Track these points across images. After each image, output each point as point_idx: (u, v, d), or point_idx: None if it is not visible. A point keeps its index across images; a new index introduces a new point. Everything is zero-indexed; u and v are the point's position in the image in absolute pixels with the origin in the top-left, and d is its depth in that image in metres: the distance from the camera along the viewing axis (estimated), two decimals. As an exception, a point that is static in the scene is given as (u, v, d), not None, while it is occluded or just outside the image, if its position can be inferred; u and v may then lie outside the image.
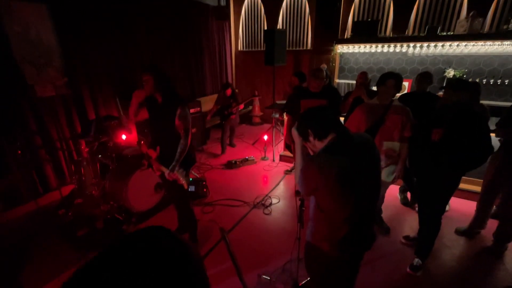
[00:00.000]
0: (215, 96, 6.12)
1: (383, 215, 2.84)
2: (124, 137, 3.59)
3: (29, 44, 3.16)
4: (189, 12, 5.34)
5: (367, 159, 1.26)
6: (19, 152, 2.86)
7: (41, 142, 3.31)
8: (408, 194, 3.27)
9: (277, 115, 4.81)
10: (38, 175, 3.34)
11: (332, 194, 1.21)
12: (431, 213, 2.20)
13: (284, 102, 4.58)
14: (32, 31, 3.16)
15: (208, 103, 5.67)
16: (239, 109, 4.85)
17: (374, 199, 1.34)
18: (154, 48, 4.70)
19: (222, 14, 6.23)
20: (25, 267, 2.33)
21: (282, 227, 2.89)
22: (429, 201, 2.18)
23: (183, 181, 2.13)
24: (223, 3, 6.35)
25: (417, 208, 2.57)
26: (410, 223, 2.89)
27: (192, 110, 4.85)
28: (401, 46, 4.66)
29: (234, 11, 6.46)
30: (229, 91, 4.63)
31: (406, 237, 2.63)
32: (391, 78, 2.15)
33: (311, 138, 1.30)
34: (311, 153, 1.39)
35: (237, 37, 6.68)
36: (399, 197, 3.33)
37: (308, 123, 1.31)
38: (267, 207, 3.25)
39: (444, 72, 4.53)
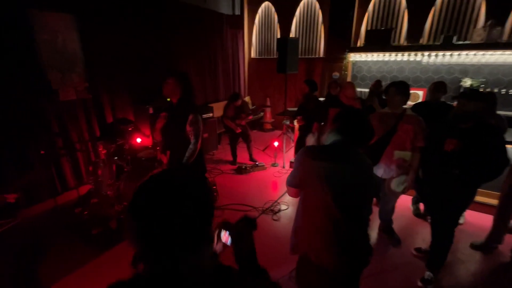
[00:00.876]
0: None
1: (394, 226, 2.79)
2: (139, 140, 3.73)
3: (55, 51, 3.36)
4: (204, 21, 5.51)
5: (354, 171, 1.27)
6: (42, 152, 3.02)
7: (62, 143, 3.48)
8: (421, 205, 3.20)
9: (288, 122, 4.84)
10: (57, 175, 3.51)
11: (314, 191, 1.24)
12: (444, 225, 2.15)
13: (295, 109, 4.63)
14: (59, 39, 3.37)
15: (220, 109, 5.78)
16: (249, 119, 4.84)
17: (360, 209, 1.32)
18: (169, 55, 4.87)
19: (236, 22, 6.39)
20: (42, 262, 2.44)
21: (290, 234, 2.88)
22: (442, 213, 2.13)
23: None
24: (237, 12, 6.52)
25: (429, 220, 2.51)
26: (423, 235, 2.81)
27: (204, 116, 4.97)
28: (416, 54, 4.61)
29: (248, 19, 6.62)
30: (239, 102, 4.55)
31: (418, 249, 2.56)
32: (391, 86, 2.19)
33: (328, 132, 1.35)
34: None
35: (250, 44, 6.81)
36: (412, 208, 3.26)
37: (346, 121, 1.33)
38: (276, 213, 3.26)
39: (460, 81, 4.43)
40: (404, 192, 2.40)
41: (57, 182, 3.51)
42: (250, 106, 6.83)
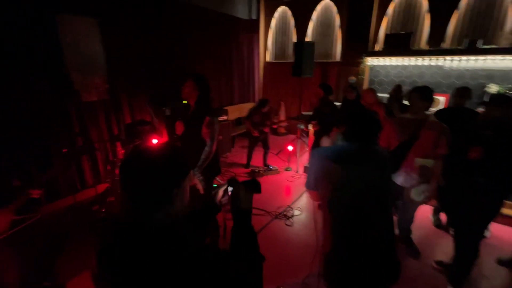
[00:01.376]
0: (242, 105, 6.28)
1: (413, 236, 2.68)
2: (155, 141, 3.80)
3: (78, 54, 3.49)
4: (221, 25, 5.59)
5: (374, 174, 1.24)
6: (64, 150, 3.14)
7: (82, 143, 3.61)
8: (443, 216, 3.05)
9: (303, 126, 4.79)
10: (77, 173, 3.63)
11: (331, 194, 1.21)
12: (468, 238, 2.04)
13: (310, 113, 4.58)
14: (82, 43, 3.50)
15: (234, 112, 5.82)
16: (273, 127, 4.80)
17: (382, 212, 1.26)
18: (186, 58, 4.96)
19: (252, 27, 6.44)
20: (60, 257, 2.51)
21: (304, 240, 2.83)
22: (466, 225, 2.02)
23: (200, 187, 2.17)
24: (254, 16, 6.57)
25: (452, 232, 2.39)
26: (444, 248, 2.68)
27: (218, 118, 5.01)
28: (437, 59, 4.46)
29: (264, 23, 6.65)
30: (266, 109, 4.46)
31: (439, 262, 2.44)
32: (414, 91, 2.12)
33: (334, 132, 1.33)
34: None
35: (266, 48, 6.83)
36: (432, 219, 3.12)
37: (351, 122, 1.32)
38: (289, 218, 3.21)
39: (485, 87, 4.24)
40: (424, 201, 2.30)
41: (77, 180, 3.64)
42: (284, 113, 6.74)
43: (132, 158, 0.76)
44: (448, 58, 4.33)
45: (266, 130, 4.51)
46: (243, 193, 0.98)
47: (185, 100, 2.27)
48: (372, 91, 3.10)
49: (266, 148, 4.69)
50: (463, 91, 2.76)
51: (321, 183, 1.24)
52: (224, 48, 5.82)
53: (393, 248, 1.28)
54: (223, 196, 1.05)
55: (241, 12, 6.32)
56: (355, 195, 1.18)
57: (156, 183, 0.73)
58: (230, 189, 1.01)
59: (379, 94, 5.31)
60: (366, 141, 1.27)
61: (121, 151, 3.16)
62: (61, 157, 3.24)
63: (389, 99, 3.10)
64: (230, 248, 0.88)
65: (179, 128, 2.35)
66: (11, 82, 2.92)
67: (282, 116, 6.65)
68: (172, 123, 4.26)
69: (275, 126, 4.70)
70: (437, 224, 3.04)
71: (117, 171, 3.15)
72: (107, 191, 3.32)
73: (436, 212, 3.11)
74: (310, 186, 1.33)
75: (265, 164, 4.73)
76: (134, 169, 0.73)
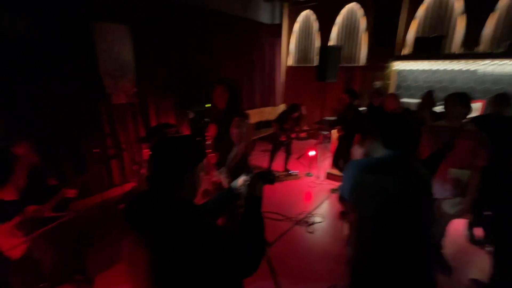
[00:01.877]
0: (263, 109, 6.30)
1: (446, 252, 2.51)
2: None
3: (111, 60, 3.68)
4: (244, 30, 5.66)
5: (414, 189, 1.17)
6: (95, 150, 3.30)
7: (111, 143, 3.78)
8: (478, 231, 2.85)
9: (325, 131, 4.70)
10: (106, 172, 3.80)
11: (366, 208, 1.15)
12: (509, 256, 1.88)
13: (333, 118, 4.49)
14: (115, 48, 3.69)
15: (256, 115, 5.85)
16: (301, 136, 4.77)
17: (420, 229, 1.19)
18: (210, 62, 5.06)
19: (275, 31, 6.46)
20: (90, 252, 2.62)
21: (325, 249, 2.76)
22: (508, 243, 1.87)
23: (225, 185, 2.24)
24: (277, 21, 6.60)
25: (489, 249, 2.22)
26: (480, 265, 2.49)
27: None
28: (472, 63, 4.22)
29: (287, 27, 6.65)
30: (296, 114, 4.39)
31: (474, 281, 2.27)
32: (452, 96, 2.02)
33: (374, 141, 1.26)
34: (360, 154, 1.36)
35: (288, 52, 6.82)
36: (467, 234, 2.92)
37: (392, 128, 1.24)
38: (310, 225, 3.15)
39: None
40: (458, 215, 2.16)
41: (105, 179, 3.81)
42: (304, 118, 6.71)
43: (157, 144, 0.94)
44: (485, 62, 4.08)
45: (293, 135, 4.47)
46: (256, 182, 1.10)
47: (213, 103, 2.36)
48: (394, 96, 2.99)
49: (288, 153, 4.65)
50: (503, 98, 2.57)
51: (356, 196, 1.19)
52: (247, 53, 5.88)
53: (429, 266, 1.22)
54: (241, 184, 1.20)
55: (264, 17, 6.36)
56: (392, 207, 1.13)
57: (170, 166, 0.89)
58: (246, 177, 1.16)
59: (407, 100, 5.13)
60: (408, 150, 1.20)
61: (147, 152, 3.26)
62: (93, 157, 3.41)
63: (419, 105, 2.96)
64: (239, 229, 0.98)
65: (212, 130, 2.45)
66: (50, 86, 3.12)
67: (304, 121, 6.58)
68: (196, 125, 4.37)
69: (303, 135, 4.63)
70: (473, 239, 2.85)
71: (142, 171, 3.26)
72: (133, 190, 3.44)
73: (471, 227, 2.91)
74: (345, 198, 1.27)
75: (286, 169, 4.68)
76: (155, 153, 0.92)
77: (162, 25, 4.13)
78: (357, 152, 1.38)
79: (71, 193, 1.89)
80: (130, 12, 3.74)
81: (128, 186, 3.69)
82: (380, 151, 1.25)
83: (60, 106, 3.23)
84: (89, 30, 3.38)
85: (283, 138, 4.41)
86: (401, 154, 1.19)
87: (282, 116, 4.46)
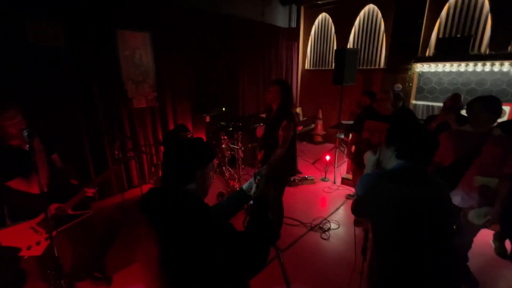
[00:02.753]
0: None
1: (471, 264, 2.36)
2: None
3: (133, 65, 3.85)
4: (261, 34, 5.70)
5: (431, 200, 1.11)
6: (116, 152, 3.45)
7: (131, 146, 3.93)
8: (508, 244, 2.65)
9: (342, 136, 4.60)
10: (125, 173, 3.96)
11: (382, 223, 1.09)
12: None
13: (350, 122, 4.39)
14: (137, 55, 3.86)
15: (271, 119, 5.83)
16: (299, 129, 4.80)
17: (442, 242, 1.13)
18: (227, 66, 5.14)
19: (292, 34, 6.45)
20: (108, 252, 2.72)
21: (341, 256, 2.68)
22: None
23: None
24: (293, 24, 6.59)
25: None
26: (508, 280, 2.31)
27: (255, 125, 5.06)
28: (501, 64, 3.97)
29: (304, 31, 6.62)
30: (294, 111, 4.59)
31: (503, 298, 2.11)
32: (477, 101, 1.86)
33: (391, 148, 1.22)
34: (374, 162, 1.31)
35: (305, 55, 6.77)
36: (493, 245, 2.73)
37: (407, 137, 1.19)
38: (325, 231, 3.07)
39: None
40: (486, 226, 2.02)
41: (125, 180, 3.96)
42: (301, 118, 6.74)
43: (171, 144, 1.02)
44: (516, 63, 3.82)
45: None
46: (263, 183, 1.18)
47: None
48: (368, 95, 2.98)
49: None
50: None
51: (371, 210, 1.15)
52: (264, 56, 5.91)
53: (453, 279, 1.14)
54: (251, 181, 1.26)
55: (281, 21, 6.38)
56: (409, 220, 1.07)
57: (182, 163, 0.97)
58: (255, 179, 1.22)
59: (429, 103, 4.91)
60: (423, 160, 1.15)
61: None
62: (114, 159, 3.56)
63: (443, 109, 2.82)
64: (246, 227, 1.06)
65: (260, 131, 2.63)
66: (75, 90, 3.32)
67: (320, 124, 6.49)
68: (211, 129, 4.43)
69: (300, 128, 4.66)
70: (500, 252, 2.65)
71: (160, 173, 3.36)
72: (151, 191, 3.55)
73: (499, 239, 2.71)
74: (358, 214, 1.25)
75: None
76: (170, 152, 1.00)
77: (181, 32, 4.26)
78: (370, 158, 1.34)
79: (90, 192, 1.98)
80: (151, 20, 3.89)
81: (146, 188, 3.80)
82: (392, 161, 1.20)
83: (84, 110, 3.42)
84: (113, 37, 3.56)
85: None
86: (415, 165, 1.14)
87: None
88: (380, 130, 2.81)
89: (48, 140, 3.05)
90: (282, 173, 2.45)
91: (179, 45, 4.26)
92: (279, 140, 2.34)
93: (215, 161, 1.07)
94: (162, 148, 3.56)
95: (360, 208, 1.22)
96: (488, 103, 1.85)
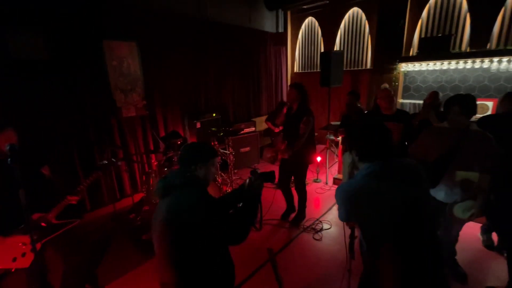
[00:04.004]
0: (269, 116, 6.30)
1: (459, 257, 2.41)
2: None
3: (121, 75, 3.87)
4: (249, 40, 5.78)
5: (408, 192, 1.14)
6: (105, 161, 3.43)
7: (122, 155, 3.92)
8: (494, 235, 2.71)
9: (332, 137, 4.66)
10: (117, 183, 3.94)
11: (369, 223, 1.12)
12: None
13: (339, 123, 4.46)
14: (124, 64, 3.87)
15: (262, 123, 5.87)
16: None
17: (420, 240, 1.15)
18: (216, 73, 5.18)
19: (279, 39, 6.54)
20: (100, 262, 2.69)
21: (333, 255, 2.71)
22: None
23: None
24: (281, 29, 6.68)
25: (506, 254, 2.11)
26: (495, 271, 2.37)
27: (246, 130, 5.10)
28: (482, 61, 4.10)
29: (291, 35, 6.72)
30: (285, 110, 4.64)
31: (491, 289, 2.15)
32: (454, 105, 1.91)
33: (354, 154, 1.27)
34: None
35: (293, 59, 6.87)
36: (481, 238, 2.79)
37: (356, 140, 1.26)
38: (317, 232, 3.10)
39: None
40: (471, 219, 2.07)
41: (116, 189, 3.94)
42: None
43: (185, 144, 1.40)
44: (495, 59, 3.95)
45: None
46: (256, 180, 1.41)
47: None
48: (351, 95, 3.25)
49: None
50: (514, 96, 2.47)
51: (356, 216, 1.18)
52: (253, 62, 5.98)
53: (440, 269, 1.19)
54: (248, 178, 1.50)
55: (268, 26, 6.47)
56: (391, 217, 1.10)
57: (186, 157, 1.30)
58: (251, 176, 1.44)
59: (416, 101, 5.02)
60: (386, 156, 1.18)
61: (155, 163, 3.36)
62: (103, 168, 3.54)
63: (424, 107, 2.90)
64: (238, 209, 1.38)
65: (280, 118, 3.25)
66: (63, 101, 3.31)
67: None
68: (202, 135, 4.44)
69: None
70: (487, 244, 2.71)
71: (151, 181, 3.35)
72: (142, 200, 3.54)
73: (486, 231, 2.77)
74: (344, 219, 1.28)
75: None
76: (184, 148, 1.35)
77: (169, 39, 4.29)
78: (346, 159, 1.39)
79: (73, 200, 1.97)
80: (137, 29, 3.92)
81: (138, 196, 3.79)
82: (363, 168, 1.23)
83: (73, 121, 3.41)
84: (99, 48, 3.57)
85: (277, 130, 4.57)
86: (383, 164, 1.16)
87: (273, 114, 4.63)
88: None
89: (37, 153, 3.05)
90: (304, 159, 3.03)
91: (167, 53, 4.29)
92: (300, 132, 2.88)
93: (218, 160, 1.39)
94: (153, 156, 3.57)
95: (344, 216, 1.24)
96: (464, 107, 1.90)
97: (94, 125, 3.62)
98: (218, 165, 3.92)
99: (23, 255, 1.78)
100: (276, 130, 4.67)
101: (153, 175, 3.37)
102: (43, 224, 1.88)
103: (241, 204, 1.35)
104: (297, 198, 3.30)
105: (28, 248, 1.79)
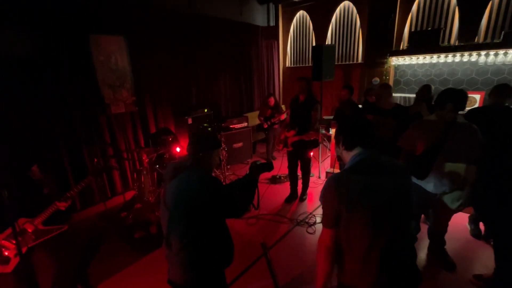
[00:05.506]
0: (262, 111, 6.28)
1: (448, 247, 2.47)
2: (178, 149, 3.93)
3: (109, 70, 3.76)
4: (240, 34, 5.70)
5: (391, 185, 1.15)
6: (95, 160, 3.36)
7: (112, 152, 3.84)
8: (482, 225, 2.79)
9: (324, 131, 4.68)
10: (108, 181, 3.87)
11: (351, 220, 1.12)
12: (510, 250, 1.83)
13: (331, 117, 4.48)
14: (112, 59, 3.77)
15: (255, 118, 5.84)
16: (281, 119, 4.87)
17: (397, 231, 1.16)
18: (207, 67, 5.11)
19: (271, 33, 6.48)
20: (91, 262, 2.65)
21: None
22: (508, 236, 1.83)
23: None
24: (272, 23, 6.62)
25: (493, 243, 2.17)
26: (483, 260, 2.44)
27: (238, 125, 5.07)
28: (470, 55, 4.16)
29: (282, 29, 6.67)
30: (271, 100, 4.81)
31: (478, 277, 2.22)
32: (449, 101, 1.93)
33: (340, 145, 1.28)
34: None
35: (285, 54, 6.83)
36: (469, 228, 2.87)
37: (341, 129, 1.29)
38: (311, 225, 3.13)
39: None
40: (459, 209, 2.12)
41: (107, 188, 3.87)
42: (285, 115, 6.79)
43: (193, 134, 1.57)
44: (483, 53, 4.02)
45: (275, 120, 4.85)
46: (256, 168, 1.58)
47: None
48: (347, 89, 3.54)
49: (267, 141, 5.08)
50: (503, 89, 2.52)
51: (338, 212, 1.14)
52: (244, 56, 5.92)
53: (414, 261, 1.21)
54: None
55: (260, 20, 6.40)
56: (373, 211, 1.10)
57: (194, 144, 1.44)
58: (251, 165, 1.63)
59: (407, 95, 5.08)
60: (370, 143, 1.20)
61: (146, 160, 3.31)
62: (94, 167, 3.47)
63: (416, 100, 2.93)
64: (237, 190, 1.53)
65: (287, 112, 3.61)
66: (50, 98, 3.20)
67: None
68: (194, 131, 4.38)
69: (283, 117, 4.91)
70: (475, 233, 2.79)
71: (143, 179, 3.30)
72: (134, 198, 3.48)
73: (473, 221, 2.85)
74: (329, 224, 1.19)
75: (272, 157, 5.19)
76: (193, 137, 1.48)
77: (158, 34, 4.19)
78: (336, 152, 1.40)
79: (61, 206, 1.91)
80: (126, 23, 3.81)
81: (130, 194, 3.73)
82: (351, 159, 1.24)
83: (59, 118, 3.31)
84: (86, 43, 3.46)
85: (265, 125, 4.85)
86: (367, 155, 1.17)
87: (261, 108, 5.01)
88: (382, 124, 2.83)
89: (24, 152, 2.95)
90: (310, 146, 3.41)
91: (157, 48, 4.20)
92: (311, 118, 3.22)
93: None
94: (144, 153, 3.51)
95: (331, 219, 1.19)
96: (458, 104, 1.92)
97: (82, 122, 3.52)
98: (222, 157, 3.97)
99: (6, 260, 1.72)
100: (265, 125, 4.84)
101: (145, 172, 3.32)
102: (29, 229, 1.82)
103: (242, 186, 1.55)
104: (302, 180, 3.71)
105: (12, 253, 1.73)
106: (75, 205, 3.57)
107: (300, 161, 3.56)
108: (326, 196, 1.18)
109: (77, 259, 2.33)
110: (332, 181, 1.17)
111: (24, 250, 1.73)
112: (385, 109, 2.82)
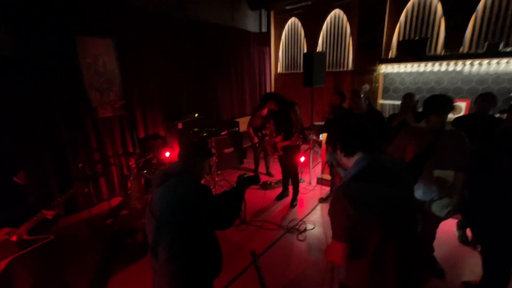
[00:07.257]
0: (253, 116, 6.26)
1: (436, 253, 2.48)
2: (167, 154, 3.85)
3: (96, 73, 3.67)
4: (232, 39, 5.71)
5: (398, 189, 1.14)
6: (80, 165, 3.24)
7: (99, 157, 3.72)
8: (469, 231, 2.83)
9: (315, 137, 4.69)
10: (93, 187, 3.74)
11: (362, 228, 1.09)
12: (497, 257, 1.85)
13: (322, 123, 4.50)
14: (99, 62, 3.69)
15: (246, 123, 5.82)
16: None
17: (405, 235, 1.16)
18: (198, 72, 5.07)
19: (263, 39, 6.53)
20: (77, 272, 2.54)
21: (317, 256, 2.71)
22: (495, 242, 1.85)
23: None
24: (264, 29, 6.67)
25: (480, 249, 2.19)
26: (471, 266, 2.46)
27: (229, 130, 5.03)
28: (455, 64, 4.28)
29: (274, 35, 6.72)
30: (265, 112, 4.42)
31: (467, 284, 2.23)
32: (432, 115, 1.96)
33: (338, 152, 1.25)
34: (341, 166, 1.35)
35: (277, 60, 6.87)
36: (457, 234, 2.90)
37: (337, 134, 1.25)
38: (301, 232, 3.10)
39: (511, 92, 3.99)
40: (448, 216, 2.13)
41: (93, 194, 3.74)
42: None
43: (186, 142, 1.54)
44: (468, 62, 4.14)
45: (268, 132, 4.32)
46: (243, 182, 1.58)
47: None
48: (339, 94, 3.50)
49: (266, 154, 4.73)
50: (487, 97, 2.59)
51: (353, 222, 1.09)
52: (236, 62, 5.92)
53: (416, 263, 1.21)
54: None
55: (252, 26, 6.44)
56: (383, 217, 1.09)
57: (186, 151, 1.46)
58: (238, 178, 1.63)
59: (396, 102, 5.17)
60: (369, 146, 1.17)
61: (133, 165, 3.22)
62: (78, 172, 3.35)
63: (401, 108, 2.97)
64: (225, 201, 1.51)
65: (271, 126, 3.58)
66: (33, 101, 3.09)
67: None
68: (184, 135, 4.31)
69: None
70: (463, 239, 2.82)
71: (129, 185, 3.21)
72: (120, 204, 3.38)
73: (461, 227, 2.88)
74: (345, 237, 1.11)
75: (268, 172, 4.80)
76: (184, 145, 1.50)
77: (147, 37, 4.14)
78: (328, 158, 1.38)
79: (49, 214, 1.81)
80: (114, 25, 3.75)
81: (116, 200, 3.62)
82: (346, 161, 1.23)
83: (43, 122, 3.19)
84: (71, 45, 3.37)
85: (255, 140, 4.45)
86: (369, 160, 1.15)
87: (252, 117, 4.55)
88: None
89: (6, 158, 2.82)
90: (294, 149, 3.43)
91: (146, 51, 4.14)
92: (292, 121, 3.26)
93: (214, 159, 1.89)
94: (131, 158, 3.42)
95: (342, 231, 1.13)
96: (440, 112, 1.95)
97: (67, 126, 3.41)
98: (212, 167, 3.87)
99: None
100: (255, 140, 4.51)
101: (132, 178, 3.23)
102: (12, 239, 1.72)
103: (231, 199, 1.53)
104: (291, 186, 3.76)
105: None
106: (59, 212, 3.42)
107: (288, 166, 3.59)
108: (337, 209, 1.12)
109: (59, 271, 2.22)
110: (341, 191, 1.11)
111: (6, 261, 1.63)
112: (360, 114, 2.89)
